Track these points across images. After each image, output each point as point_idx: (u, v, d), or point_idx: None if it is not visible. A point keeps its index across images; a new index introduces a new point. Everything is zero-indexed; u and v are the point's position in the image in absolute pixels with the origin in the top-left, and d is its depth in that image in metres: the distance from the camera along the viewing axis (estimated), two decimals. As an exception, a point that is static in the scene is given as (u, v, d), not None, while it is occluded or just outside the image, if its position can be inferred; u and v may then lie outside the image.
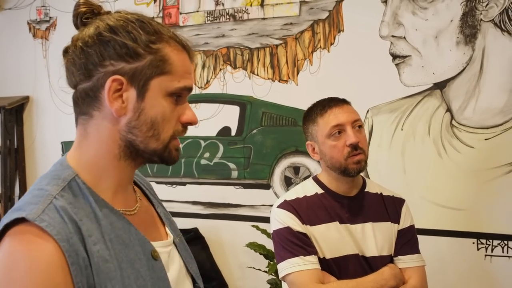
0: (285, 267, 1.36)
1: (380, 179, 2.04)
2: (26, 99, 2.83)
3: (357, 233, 1.42)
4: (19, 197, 2.81)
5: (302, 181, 2.19)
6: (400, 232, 1.47)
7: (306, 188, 1.48)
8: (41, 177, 0.79)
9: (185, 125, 0.82)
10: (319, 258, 1.37)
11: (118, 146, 0.78)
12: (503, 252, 1.87)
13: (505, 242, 1.86)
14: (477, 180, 1.90)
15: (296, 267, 1.34)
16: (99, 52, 0.76)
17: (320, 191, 1.46)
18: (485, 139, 1.89)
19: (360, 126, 1.44)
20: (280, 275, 1.38)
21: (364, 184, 1.51)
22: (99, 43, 0.76)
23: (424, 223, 1.95)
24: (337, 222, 1.41)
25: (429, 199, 1.97)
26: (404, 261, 1.44)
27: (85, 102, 0.78)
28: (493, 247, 1.88)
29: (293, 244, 1.36)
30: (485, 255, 1.89)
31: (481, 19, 1.88)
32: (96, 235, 0.74)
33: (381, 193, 1.52)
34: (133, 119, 0.77)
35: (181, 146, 0.84)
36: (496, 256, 1.88)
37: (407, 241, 1.47)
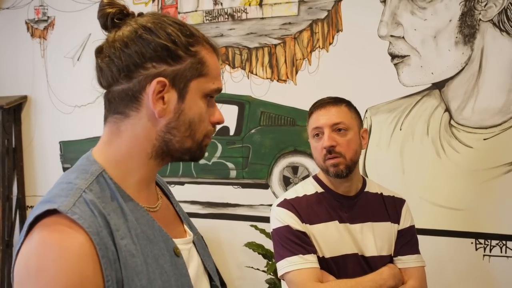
0: (284, 266, 1.36)
1: (378, 179, 2.04)
2: (24, 98, 2.82)
3: (357, 233, 1.42)
4: (17, 197, 2.81)
5: (301, 181, 2.20)
6: (400, 232, 1.47)
7: (306, 187, 1.49)
8: (67, 172, 0.81)
9: (214, 125, 0.85)
10: (318, 257, 1.38)
11: (152, 146, 0.80)
12: (501, 252, 1.87)
13: (504, 242, 1.86)
14: (476, 180, 1.90)
15: (295, 266, 1.34)
16: (141, 54, 0.77)
17: (320, 190, 1.47)
18: (484, 139, 1.89)
19: (342, 130, 1.42)
20: (279, 273, 1.39)
21: (364, 184, 1.51)
22: (140, 45, 0.77)
23: (423, 223, 1.95)
24: (336, 222, 1.41)
25: (427, 199, 1.97)
26: (404, 262, 1.44)
27: (122, 102, 0.79)
28: (492, 247, 1.88)
29: (292, 242, 1.36)
30: (484, 255, 1.89)
31: (480, 19, 1.88)
32: (123, 230, 0.75)
33: (381, 193, 1.52)
34: (173, 120, 0.79)
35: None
36: (494, 256, 1.88)
37: (407, 242, 1.47)
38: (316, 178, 1.51)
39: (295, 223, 1.39)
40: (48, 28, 2.76)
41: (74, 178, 0.77)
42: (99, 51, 0.80)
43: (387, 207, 1.49)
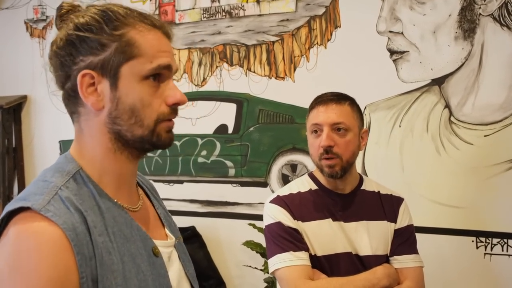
0: (274, 262, 1.34)
1: (378, 176, 2.02)
2: (24, 98, 2.82)
3: (351, 231, 1.39)
4: (18, 196, 2.81)
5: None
6: (396, 232, 1.44)
7: (301, 184, 1.46)
8: (44, 170, 0.80)
9: (172, 107, 0.79)
10: (310, 255, 1.35)
11: (109, 139, 0.78)
12: (502, 250, 1.84)
13: (505, 240, 1.83)
14: (476, 177, 1.87)
15: (286, 263, 1.32)
16: (69, 52, 0.76)
17: (314, 187, 1.44)
18: (484, 136, 1.86)
19: (341, 130, 1.38)
20: (270, 270, 1.37)
21: (361, 182, 1.48)
22: (68, 43, 0.76)
23: (423, 221, 1.93)
24: (330, 219, 1.39)
25: (427, 197, 1.95)
26: (400, 262, 1.41)
27: (70, 102, 0.79)
28: (493, 245, 1.85)
29: (283, 239, 1.34)
30: (485, 254, 1.86)
31: (480, 14, 1.85)
32: (100, 227, 0.74)
33: (378, 191, 1.49)
34: (112, 109, 0.76)
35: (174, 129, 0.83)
36: (495, 255, 1.85)
37: (404, 241, 1.44)
38: (311, 175, 1.48)
39: (287, 219, 1.37)
40: (47, 27, 2.75)
41: (51, 176, 0.76)
42: (49, 58, 0.80)
43: (384, 206, 1.45)
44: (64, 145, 2.74)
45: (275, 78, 2.21)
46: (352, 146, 1.40)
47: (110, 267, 0.73)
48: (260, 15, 2.23)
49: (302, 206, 1.39)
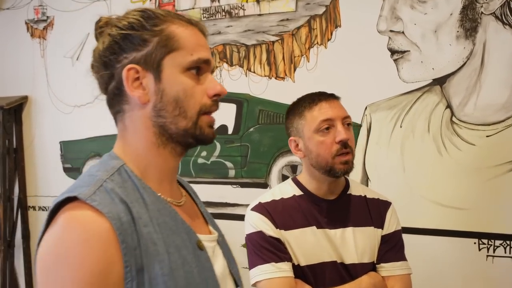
0: (255, 274, 1.29)
1: (378, 177, 2.00)
2: (24, 98, 2.82)
3: (336, 239, 1.33)
4: (19, 197, 2.81)
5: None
6: (383, 238, 1.38)
7: (284, 190, 1.39)
8: (90, 167, 0.84)
9: (213, 99, 0.82)
10: (293, 265, 1.29)
11: (154, 133, 0.81)
12: (505, 252, 1.81)
13: (508, 242, 1.81)
14: (478, 178, 1.84)
15: (267, 275, 1.27)
16: (113, 51, 0.80)
17: (298, 193, 1.37)
18: (487, 136, 1.83)
19: (349, 124, 1.36)
20: (251, 282, 1.31)
21: (347, 186, 1.42)
22: (111, 45, 0.81)
23: (424, 222, 1.90)
24: (314, 227, 1.33)
25: (429, 198, 1.92)
26: (387, 269, 1.36)
27: (115, 101, 0.82)
28: (495, 247, 1.82)
29: (264, 249, 1.28)
30: (487, 256, 1.84)
31: (482, 12, 1.82)
32: (145, 218, 0.76)
33: (365, 196, 1.43)
34: (157, 102, 0.79)
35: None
36: (498, 257, 1.82)
37: (391, 248, 1.38)
38: (295, 180, 1.41)
39: (268, 228, 1.31)
40: (48, 28, 2.75)
41: (96, 171, 0.79)
42: (91, 66, 0.86)
43: (371, 211, 1.40)
44: (65, 146, 2.73)
45: (275, 78, 2.20)
46: (355, 142, 1.38)
47: (155, 257, 0.74)
48: (260, 14, 2.21)
49: (285, 214, 1.33)
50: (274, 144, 2.21)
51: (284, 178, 2.20)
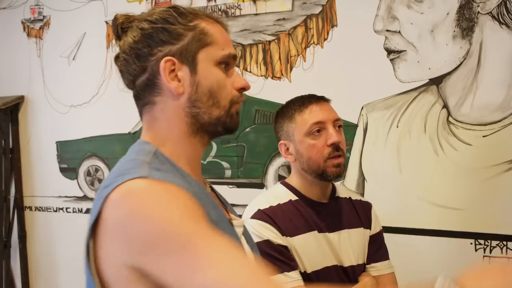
0: None
1: (375, 178, 1.99)
2: (21, 98, 2.81)
3: (335, 242, 1.32)
4: (15, 197, 2.80)
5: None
6: (371, 238, 1.39)
7: (278, 195, 1.36)
8: (123, 157, 0.84)
9: (239, 91, 0.87)
10: (300, 272, 1.27)
11: (186, 123, 0.84)
12: (501, 253, 1.80)
13: (504, 242, 1.80)
14: (475, 178, 1.83)
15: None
16: (146, 45, 0.83)
17: (294, 197, 1.35)
18: (483, 136, 1.82)
19: (341, 127, 1.35)
20: None
21: (334, 189, 1.41)
22: (144, 38, 0.84)
23: (421, 223, 1.90)
24: (315, 232, 1.31)
25: (425, 199, 1.91)
26: (378, 269, 1.37)
27: (145, 93, 0.85)
28: (492, 247, 1.82)
29: (274, 259, 1.23)
30: (483, 256, 1.83)
31: (479, 12, 1.82)
32: (192, 192, 0.78)
33: (350, 197, 1.43)
34: (192, 93, 0.83)
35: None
36: (494, 257, 1.81)
37: (379, 247, 1.40)
38: (286, 184, 1.39)
39: (276, 236, 1.27)
40: (44, 27, 2.74)
41: (135, 155, 0.81)
42: (116, 57, 0.88)
43: (358, 212, 1.40)
44: (61, 146, 2.72)
45: (272, 78, 2.19)
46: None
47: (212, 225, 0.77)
48: (256, 14, 2.20)
49: (287, 220, 1.29)
50: (270, 144, 2.20)
51: (280, 178, 2.19)
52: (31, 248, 2.82)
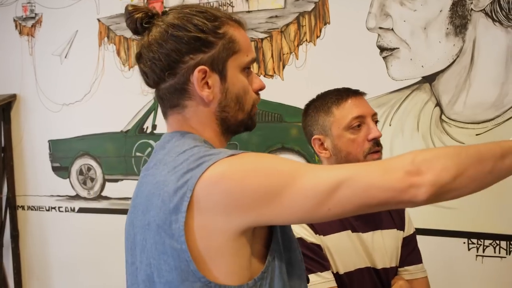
0: None
1: (367, 176, 1.98)
2: (13, 97, 2.79)
3: (369, 243, 1.26)
4: (7, 196, 2.78)
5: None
6: (405, 240, 1.33)
7: None
8: (178, 147, 0.85)
9: (257, 92, 0.92)
10: (332, 273, 1.21)
11: (217, 124, 0.88)
12: (495, 252, 1.79)
13: (497, 242, 1.78)
14: (468, 177, 1.81)
15: (313, 287, 1.16)
16: (177, 50, 0.85)
17: None
18: (476, 135, 1.81)
19: (377, 122, 1.30)
20: None
21: None
22: (174, 43, 0.85)
23: (413, 222, 1.87)
24: (349, 231, 1.25)
25: (418, 197, 1.90)
26: (411, 273, 1.31)
27: (174, 96, 0.88)
28: (485, 247, 1.80)
29: (307, 258, 1.15)
30: (476, 256, 1.81)
31: (472, 9, 1.80)
32: None
33: None
34: (222, 99, 0.87)
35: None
36: (487, 257, 1.80)
37: (412, 250, 1.34)
38: None
39: (309, 234, 1.20)
40: (36, 25, 2.72)
41: (193, 143, 0.84)
42: (139, 57, 0.89)
43: (392, 213, 1.34)
44: (53, 145, 2.71)
45: (264, 76, 2.17)
46: None
47: None
48: (248, 11, 2.19)
49: None
50: (263, 143, 2.18)
51: (273, 177, 2.17)
52: (24, 247, 2.80)
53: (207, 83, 0.86)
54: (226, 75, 0.87)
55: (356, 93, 1.31)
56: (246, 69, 0.89)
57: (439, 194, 0.76)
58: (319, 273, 1.18)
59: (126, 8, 0.89)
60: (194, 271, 0.78)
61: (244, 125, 0.91)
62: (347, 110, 1.27)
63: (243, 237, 0.79)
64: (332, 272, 1.21)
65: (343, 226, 1.24)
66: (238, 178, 0.77)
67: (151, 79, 0.88)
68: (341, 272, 1.23)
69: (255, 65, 2.18)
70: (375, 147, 1.25)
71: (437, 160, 0.76)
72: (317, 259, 1.19)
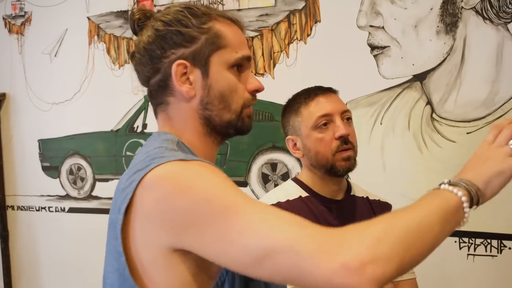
0: None
1: (358, 176, 1.94)
2: (2, 96, 2.76)
3: None
4: (-3, 196, 2.75)
5: (280, 178, 2.12)
6: None
7: (287, 191, 1.30)
8: (145, 146, 0.84)
9: (253, 94, 0.88)
10: None
11: (200, 124, 0.85)
12: (486, 251, 1.78)
13: (488, 240, 1.78)
14: (459, 176, 1.81)
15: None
16: (160, 46, 0.84)
17: (304, 194, 1.29)
18: (467, 133, 1.80)
19: (349, 119, 1.29)
20: None
21: (349, 187, 1.37)
22: (158, 39, 0.84)
23: (405, 221, 1.87)
24: None
25: (409, 196, 1.87)
26: None
27: (159, 93, 0.86)
28: (476, 246, 1.80)
29: None
30: (468, 254, 1.81)
31: (462, 7, 1.79)
32: None
33: (367, 197, 1.38)
34: (204, 96, 0.84)
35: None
36: (479, 256, 1.80)
37: None
38: (296, 180, 1.34)
39: None
40: (25, 23, 2.69)
41: (160, 144, 0.80)
42: (132, 56, 0.89)
43: (376, 213, 1.34)
44: (43, 144, 2.68)
45: (255, 75, 2.15)
46: (356, 136, 1.31)
47: None
48: (239, 9, 2.17)
49: None
50: (253, 142, 2.17)
51: (264, 176, 2.16)
52: (14, 248, 2.77)
53: (188, 78, 0.84)
54: (209, 71, 0.84)
55: (325, 91, 1.31)
56: (236, 67, 0.85)
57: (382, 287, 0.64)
58: None
59: (131, 10, 0.90)
60: (127, 277, 0.74)
61: (233, 127, 0.86)
62: (314, 109, 1.27)
63: (179, 254, 0.72)
64: None
65: (320, 225, 1.23)
66: (170, 191, 0.71)
67: (141, 76, 0.88)
68: None
69: (245, 63, 2.17)
70: (343, 145, 1.24)
71: (382, 250, 0.64)
72: None
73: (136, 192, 0.73)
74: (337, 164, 1.25)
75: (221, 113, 0.84)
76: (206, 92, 0.84)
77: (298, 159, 2.05)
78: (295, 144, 1.32)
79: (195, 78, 0.84)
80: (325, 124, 1.26)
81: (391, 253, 0.63)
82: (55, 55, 2.61)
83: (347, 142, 1.25)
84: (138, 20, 0.88)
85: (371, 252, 0.62)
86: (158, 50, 0.84)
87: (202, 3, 2.24)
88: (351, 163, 1.26)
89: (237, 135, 0.89)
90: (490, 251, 1.78)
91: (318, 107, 1.27)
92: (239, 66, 0.86)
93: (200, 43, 0.83)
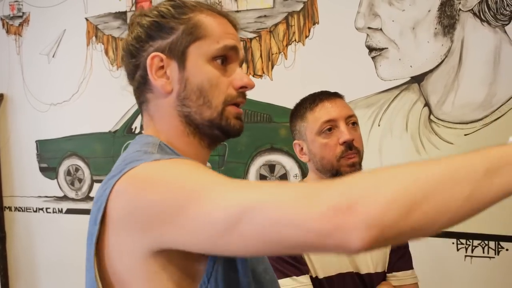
0: None
1: (356, 177, 1.97)
2: (0, 97, 2.75)
3: None
4: (-6, 198, 2.74)
5: (278, 180, 2.12)
6: (393, 245, 1.32)
7: None
8: (126, 151, 0.79)
9: (240, 91, 0.79)
10: (310, 277, 1.21)
11: (181, 122, 0.79)
12: (483, 252, 1.79)
13: (486, 242, 1.78)
14: (456, 177, 1.81)
15: None
16: (139, 39, 0.79)
17: None
18: (465, 135, 1.80)
19: (355, 123, 1.29)
20: None
21: None
22: (139, 33, 0.80)
23: (402, 222, 1.87)
24: None
25: (407, 198, 1.89)
26: (399, 278, 1.31)
27: (140, 90, 0.82)
28: (473, 247, 1.80)
29: (283, 262, 1.17)
30: (465, 256, 1.81)
31: (460, 9, 1.80)
32: None
33: None
34: (181, 90, 0.78)
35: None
36: (476, 257, 1.80)
37: (401, 256, 1.33)
38: None
39: None
40: (23, 24, 2.69)
41: (139, 148, 0.76)
42: (122, 58, 0.85)
43: None
44: (41, 145, 2.68)
45: (253, 76, 2.16)
46: (362, 141, 1.30)
47: None
48: (237, 11, 2.17)
49: None
50: (251, 143, 2.17)
51: (262, 178, 2.16)
52: (11, 249, 2.77)
53: (166, 73, 0.78)
54: (186, 63, 0.77)
55: (330, 96, 1.31)
56: (219, 59, 0.78)
57: (385, 239, 0.53)
58: (294, 277, 1.18)
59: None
60: None
61: (217, 126, 0.78)
62: (318, 114, 1.27)
63: (158, 259, 0.67)
64: (311, 277, 1.20)
65: None
66: (139, 189, 0.67)
67: (127, 74, 0.83)
68: (321, 276, 1.22)
69: (243, 65, 2.17)
70: (348, 151, 1.24)
71: (381, 188, 0.53)
72: (293, 263, 1.18)
73: (109, 199, 0.68)
74: (342, 169, 1.24)
75: (200, 110, 0.77)
76: (183, 86, 0.77)
77: (297, 161, 2.06)
78: (301, 149, 1.32)
79: (172, 72, 0.77)
80: (329, 130, 1.26)
81: (394, 197, 0.52)
82: (53, 56, 2.60)
83: (351, 148, 1.24)
84: (131, 20, 0.85)
85: (365, 192, 0.52)
86: (138, 43, 0.79)
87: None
88: (355, 169, 1.25)
89: (226, 137, 0.80)
90: (488, 253, 1.78)
91: (322, 112, 1.27)
92: (225, 59, 0.78)
93: (177, 34, 0.77)
